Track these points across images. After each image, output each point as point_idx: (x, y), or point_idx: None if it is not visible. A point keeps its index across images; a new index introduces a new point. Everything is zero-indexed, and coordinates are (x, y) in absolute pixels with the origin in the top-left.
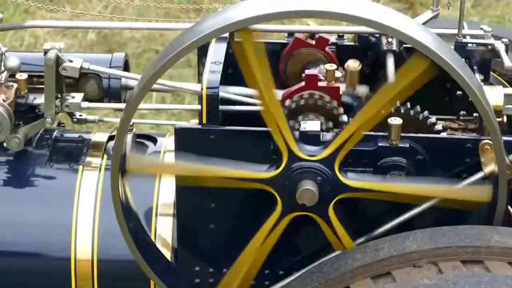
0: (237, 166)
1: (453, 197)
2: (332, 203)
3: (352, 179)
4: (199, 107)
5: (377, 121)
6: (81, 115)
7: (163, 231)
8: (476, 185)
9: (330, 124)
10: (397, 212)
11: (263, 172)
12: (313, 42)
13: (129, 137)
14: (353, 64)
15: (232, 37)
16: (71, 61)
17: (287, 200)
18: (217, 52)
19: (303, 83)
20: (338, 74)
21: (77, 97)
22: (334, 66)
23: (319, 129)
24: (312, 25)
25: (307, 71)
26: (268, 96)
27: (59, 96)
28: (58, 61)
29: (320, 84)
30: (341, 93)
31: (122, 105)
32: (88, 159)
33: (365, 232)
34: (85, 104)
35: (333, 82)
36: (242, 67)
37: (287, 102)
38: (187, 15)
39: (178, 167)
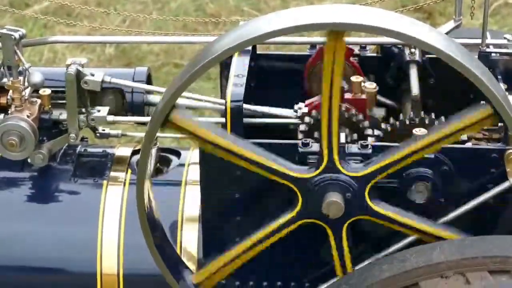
0: (273, 157)
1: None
2: (349, 221)
3: (377, 204)
4: (223, 120)
5: (424, 155)
6: (103, 130)
7: (189, 244)
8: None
9: (355, 136)
10: (432, 212)
11: (296, 171)
12: None
13: (153, 151)
14: (369, 86)
15: (332, 36)
16: (92, 74)
17: (309, 205)
18: (240, 65)
19: None
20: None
21: (103, 110)
22: (360, 78)
23: (344, 141)
24: None
25: None
26: (335, 101)
27: (84, 110)
28: (79, 75)
29: (347, 96)
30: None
31: (147, 119)
32: (112, 173)
33: (367, 256)
34: (110, 118)
35: (360, 94)
36: (324, 68)
37: (313, 113)
38: (205, 27)
39: (217, 137)
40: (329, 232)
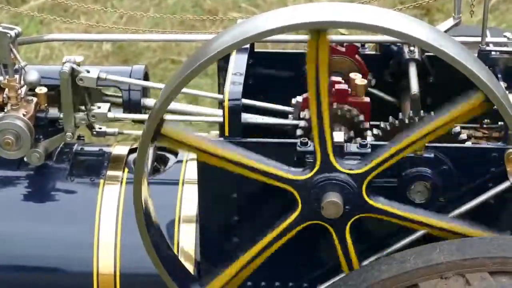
0: (269, 162)
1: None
2: (351, 220)
3: (376, 200)
4: (221, 119)
5: (419, 147)
6: (100, 128)
7: (186, 244)
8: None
9: (351, 133)
10: (406, 233)
11: (293, 173)
12: (343, 49)
13: (150, 150)
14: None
15: (316, 36)
16: (88, 71)
17: (308, 207)
18: (238, 63)
19: None
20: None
21: (103, 107)
22: (364, 81)
23: (343, 140)
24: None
25: (337, 86)
26: (324, 101)
27: (84, 108)
28: (73, 73)
29: (351, 99)
30: None
31: (146, 116)
32: (109, 172)
33: (374, 252)
34: (111, 114)
35: (363, 96)
36: (308, 68)
37: None
38: (202, 23)
39: (210, 148)
40: (332, 232)
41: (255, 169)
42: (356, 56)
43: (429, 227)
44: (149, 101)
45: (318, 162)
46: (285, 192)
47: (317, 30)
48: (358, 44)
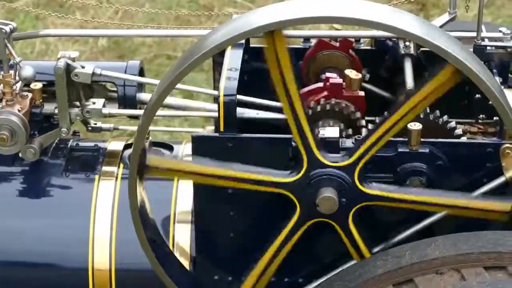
0: (257, 170)
1: (474, 207)
2: (352, 212)
3: (370, 188)
4: (216, 114)
5: (400, 128)
6: (95, 123)
7: (181, 240)
8: (497, 199)
9: (350, 131)
10: (416, 219)
11: (282, 177)
12: (337, 44)
13: (145, 145)
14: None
15: (270, 39)
16: (83, 67)
17: (306, 206)
18: (233, 58)
19: (319, 84)
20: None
21: (98, 103)
22: (359, 76)
23: (338, 135)
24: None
25: (332, 80)
26: (295, 99)
27: (79, 103)
28: (68, 69)
29: (346, 93)
30: None
31: (141, 112)
32: (104, 168)
33: (383, 240)
34: (106, 110)
35: (357, 91)
36: (271, 70)
37: (312, 104)
38: (198, 19)
39: (198, 169)
40: (337, 227)
41: (246, 180)
42: (350, 51)
43: (427, 205)
44: (145, 96)
45: (304, 161)
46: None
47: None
48: (353, 39)
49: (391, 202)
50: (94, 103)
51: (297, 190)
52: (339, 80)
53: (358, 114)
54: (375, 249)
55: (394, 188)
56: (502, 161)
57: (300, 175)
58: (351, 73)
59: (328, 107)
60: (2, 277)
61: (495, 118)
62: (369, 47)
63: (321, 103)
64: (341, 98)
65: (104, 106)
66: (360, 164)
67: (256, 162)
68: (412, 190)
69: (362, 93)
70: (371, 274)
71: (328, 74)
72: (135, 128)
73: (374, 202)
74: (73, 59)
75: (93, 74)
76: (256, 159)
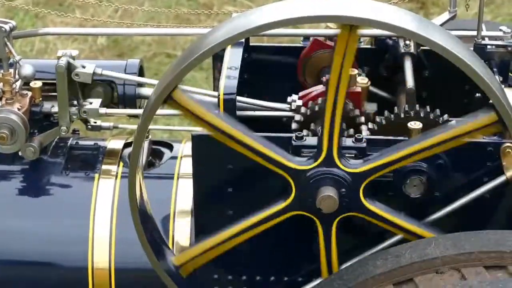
0: (271, 146)
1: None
2: (339, 217)
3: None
4: None
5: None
6: (95, 122)
7: (181, 238)
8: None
9: (351, 131)
10: (427, 206)
11: (295, 162)
12: (332, 43)
13: (145, 144)
14: (361, 81)
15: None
16: (83, 66)
17: (302, 197)
18: (233, 57)
19: (321, 87)
20: (365, 80)
21: (95, 103)
22: (355, 71)
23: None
24: (327, 29)
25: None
26: (341, 93)
27: (76, 103)
28: (69, 68)
29: None
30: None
31: (139, 111)
32: (104, 167)
33: (355, 253)
34: (103, 110)
35: (354, 87)
36: (335, 60)
37: (309, 104)
38: (197, 17)
39: (217, 119)
40: (319, 226)
41: (256, 151)
42: None
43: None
44: (145, 91)
45: (322, 156)
46: (280, 181)
47: (349, 26)
48: None
49: (385, 223)
50: (91, 103)
51: (301, 179)
52: None
53: (357, 112)
54: (343, 266)
55: (395, 213)
56: (503, 160)
57: (311, 166)
58: None
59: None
60: (1, 277)
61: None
62: (369, 46)
63: (318, 102)
64: None
65: (101, 106)
66: (373, 177)
67: (255, 161)
68: (411, 220)
69: (359, 89)
70: (371, 274)
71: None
72: (135, 126)
73: (367, 217)
74: (73, 58)
75: (94, 74)
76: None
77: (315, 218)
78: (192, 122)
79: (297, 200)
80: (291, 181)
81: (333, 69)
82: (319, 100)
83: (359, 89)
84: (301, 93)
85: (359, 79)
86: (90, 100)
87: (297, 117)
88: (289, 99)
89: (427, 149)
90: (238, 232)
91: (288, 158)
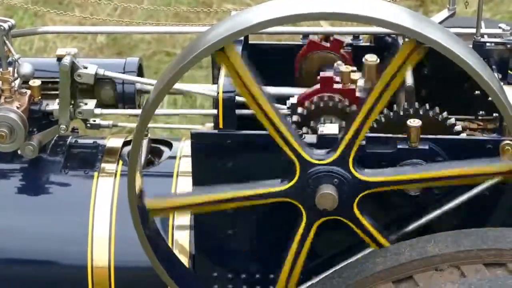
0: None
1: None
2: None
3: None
4: (215, 111)
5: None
6: (94, 121)
7: (181, 237)
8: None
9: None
10: (427, 204)
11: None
12: (328, 44)
13: (144, 142)
14: (371, 59)
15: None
16: (85, 67)
17: (310, 208)
18: None
19: (317, 86)
20: (356, 76)
21: (90, 103)
22: (349, 68)
23: (337, 131)
24: (326, 27)
25: (322, 74)
26: (382, 101)
27: (72, 102)
28: (73, 67)
29: (336, 86)
30: (358, 89)
31: (136, 111)
32: (103, 165)
33: (399, 226)
34: (98, 111)
35: (349, 84)
36: (391, 66)
37: (306, 103)
38: (197, 15)
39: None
40: (303, 220)
41: (279, 131)
42: (341, 50)
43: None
44: (146, 86)
45: (336, 155)
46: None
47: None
48: (344, 38)
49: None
50: (86, 104)
51: (297, 194)
52: (330, 73)
53: (354, 107)
54: (393, 237)
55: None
56: (502, 157)
57: (295, 179)
58: (341, 67)
59: (322, 104)
60: (1, 275)
61: (494, 114)
62: (368, 44)
63: (314, 101)
64: (333, 92)
65: (96, 106)
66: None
67: (255, 159)
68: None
69: (353, 86)
70: (371, 271)
71: (322, 74)
72: (134, 125)
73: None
74: (74, 56)
75: (96, 74)
76: (255, 156)
77: (303, 211)
78: (233, 81)
79: (297, 188)
80: (298, 169)
81: (384, 75)
82: (314, 98)
83: (353, 86)
84: (300, 93)
85: (368, 56)
86: (86, 100)
87: (295, 117)
88: (288, 102)
89: (375, 103)
90: (222, 199)
91: (304, 148)
